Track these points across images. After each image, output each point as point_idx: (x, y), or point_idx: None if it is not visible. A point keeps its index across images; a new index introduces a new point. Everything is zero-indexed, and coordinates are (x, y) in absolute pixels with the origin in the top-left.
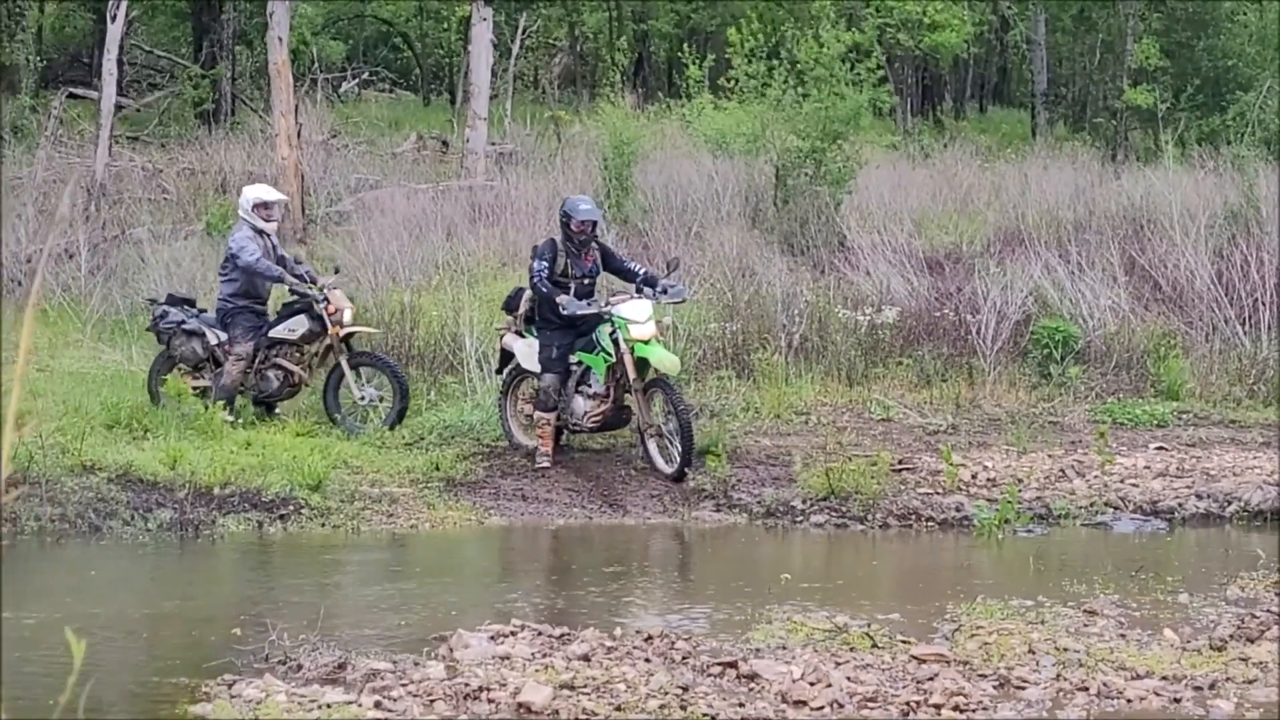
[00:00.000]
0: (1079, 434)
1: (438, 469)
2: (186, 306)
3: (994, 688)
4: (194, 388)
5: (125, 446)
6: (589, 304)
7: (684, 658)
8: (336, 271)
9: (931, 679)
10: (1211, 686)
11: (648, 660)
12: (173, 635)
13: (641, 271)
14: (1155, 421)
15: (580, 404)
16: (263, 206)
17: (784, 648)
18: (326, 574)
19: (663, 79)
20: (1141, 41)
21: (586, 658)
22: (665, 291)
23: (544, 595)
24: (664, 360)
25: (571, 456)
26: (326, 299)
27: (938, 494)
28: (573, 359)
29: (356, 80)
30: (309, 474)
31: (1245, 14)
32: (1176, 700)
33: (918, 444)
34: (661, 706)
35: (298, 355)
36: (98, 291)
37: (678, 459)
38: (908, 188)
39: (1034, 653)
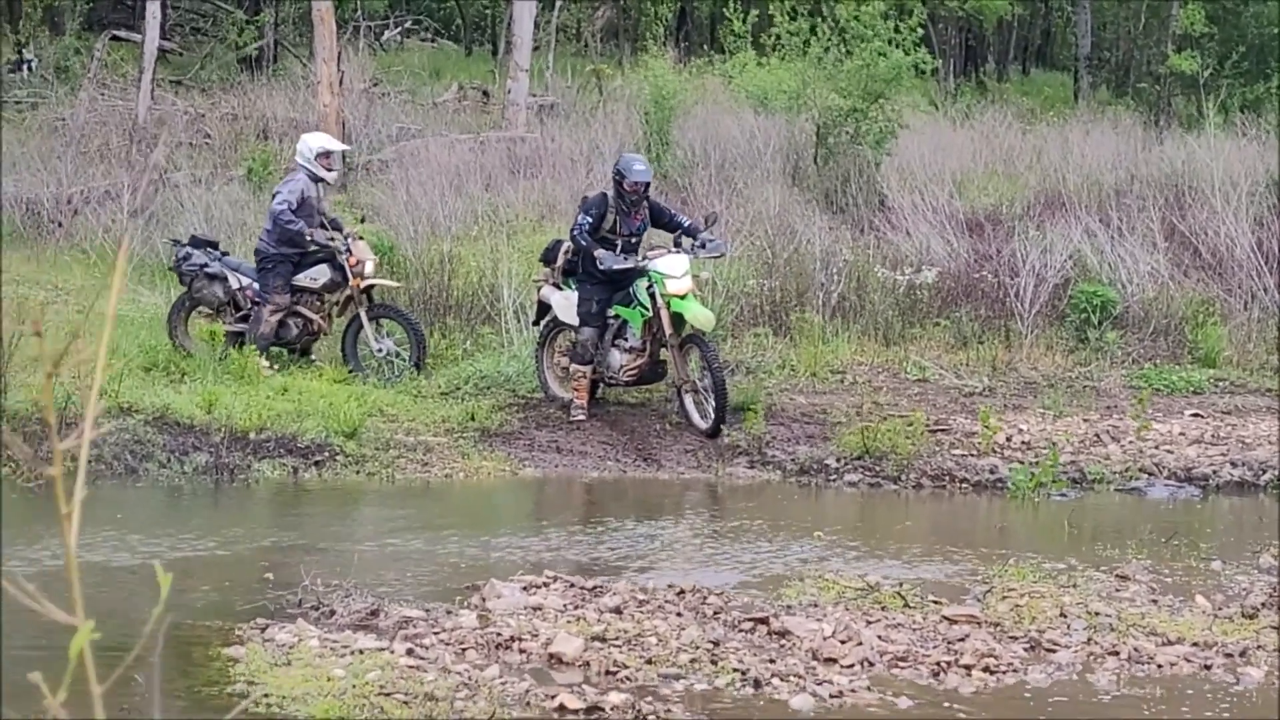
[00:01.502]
0: (1115, 399)
1: (473, 419)
2: (210, 249)
3: (1025, 650)
4: None
5: (162, 389)
6: (626, 258)
7: (716, 613)
8: (363, 221)
9: (963, 640)
10: (1242, 654)
11: (679, 614)
12: (206, 578)
13: (687, 223)
14: (1191, 388)
15: (616, 357)
16: (324, 155)
17: (815, 605)
18: (360, 521)
19: (705, 34)
20: (1187, 7)
21: (618, 610)
22: (704, 246)
23: (577, 547)
24: (699, 316)
25: (606, 410)
26: (349, 249)
27: (972, 456)
28: (610, 312)
29: (399, 29)
30: (345, 421)
31: None
32: (1207, 667)
33: (953, 405)
34: (692, 661)
35: (318, 304)
36: (138, 235)
37: (713, 415)
38: (949, 149)
39: (1065, 616)
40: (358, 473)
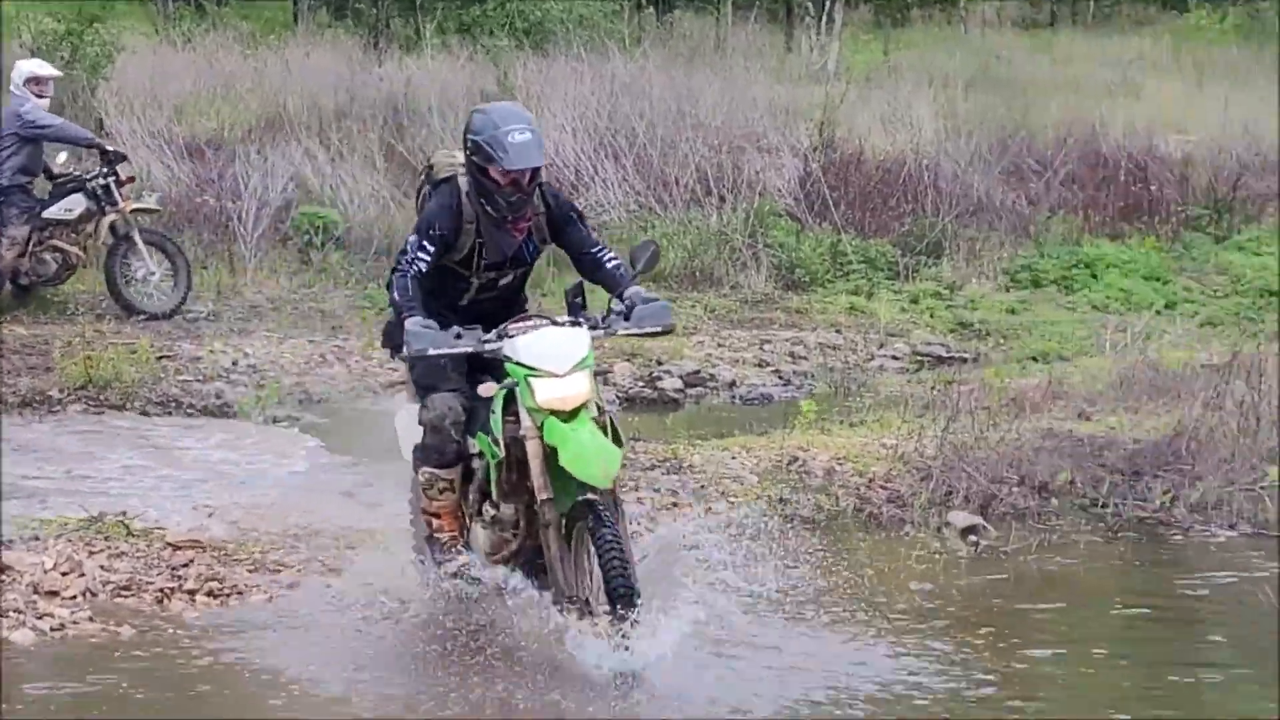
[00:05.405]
0: (340, 320)
1: None
2: None
3: (248, 572)
4: None
5: None
6: (461, 335)
7: None
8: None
9: (187, 565)
10: None
11: None
12: None
13: (610, 263)
14: None
15: (479, 535)
16: (35, 81)
17: (37, 538)
18: None
19: None
20: None
21: None
22: (627, 316)
23: None
24: (587, 458)
25: None
26: (117, 172)
27: (198, 381)
28: (471, 441)
29: None
30: None
31: None
32: None
33: (178, 332)
34: None
35: (74, 236)
36: None
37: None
38: (170, 74)
39: (291, 536)
40: None
